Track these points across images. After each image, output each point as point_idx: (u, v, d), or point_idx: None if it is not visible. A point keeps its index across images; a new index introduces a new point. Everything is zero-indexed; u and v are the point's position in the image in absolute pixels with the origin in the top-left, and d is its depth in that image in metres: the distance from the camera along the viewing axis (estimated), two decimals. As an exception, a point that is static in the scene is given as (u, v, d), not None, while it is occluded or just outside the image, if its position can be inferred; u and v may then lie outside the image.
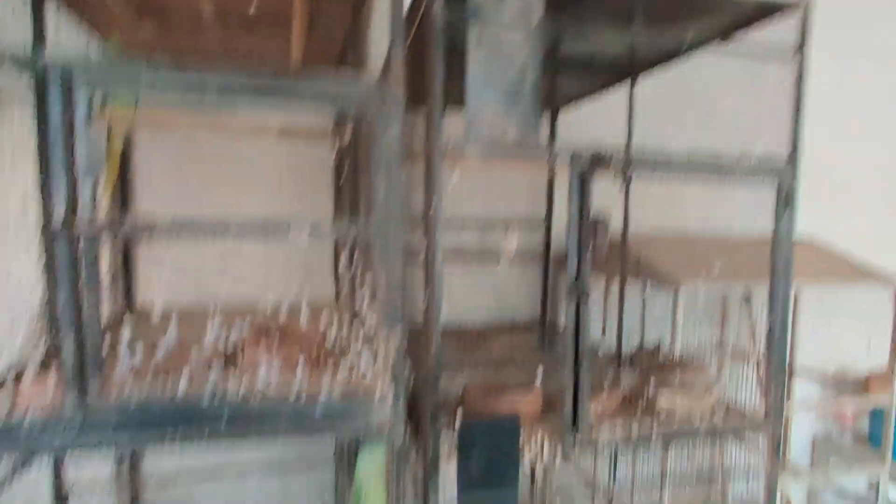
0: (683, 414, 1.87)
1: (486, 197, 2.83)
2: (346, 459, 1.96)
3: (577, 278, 1.60)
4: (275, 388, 1.42)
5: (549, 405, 1.91)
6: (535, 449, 1.68)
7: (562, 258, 2.92)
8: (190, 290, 2.35)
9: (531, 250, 2.95)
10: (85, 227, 1.26)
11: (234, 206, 2.48)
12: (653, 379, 1.93)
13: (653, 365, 1.98)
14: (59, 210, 1.26)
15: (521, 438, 1.58)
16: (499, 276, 2.85)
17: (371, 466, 1.60)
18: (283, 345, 1.57)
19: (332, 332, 1.56)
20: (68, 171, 1.26)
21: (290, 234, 1.43)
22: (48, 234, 1.30)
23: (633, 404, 1.93)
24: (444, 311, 1.61)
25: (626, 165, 1.63)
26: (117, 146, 2.27)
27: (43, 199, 1.47)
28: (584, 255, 1.59)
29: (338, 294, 2.11)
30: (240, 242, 2.46)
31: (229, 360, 1.56)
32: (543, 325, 2.86)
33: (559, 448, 1.71)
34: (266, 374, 1.45)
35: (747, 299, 2.94)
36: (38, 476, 2.07)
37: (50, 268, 1.32)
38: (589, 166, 1.61)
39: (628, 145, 2.46)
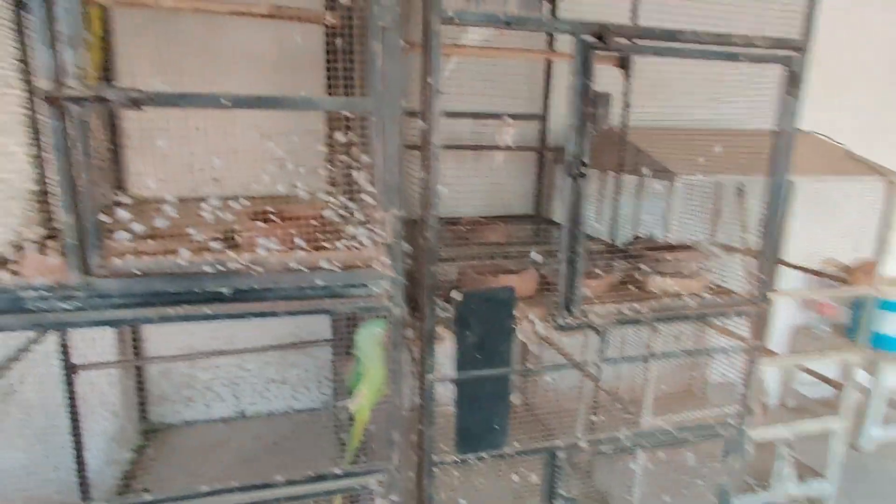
0: (673, 295, 1.93)
1: (483, 94, 2.75)
2: (344, 341, 2.04)
3: (576, 154, 1.59)
4: (274, 264, 1.44)
5: (544, 287, 1.96)
6: (527, 326, 1.74)
7: (558, 151, 2.90)
8: (181, 187, 2.31)
9: (527, 144, 2.91)
10: (72, 95, 1.21)
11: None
12: (645, 264, 1.98)
13: (645, 252, 2.02)
14: (44, 78, 1.21)
15: (514, 309, 1.63)
16: (494, 169, 2.83)
17: (370, 342, 1.65)
18: (280, 226, 1.58)
19: (329, 214, 1.56)
20: (51, 39, 1.21)
21: (282, 105, 1.39)
22: (34, 103, 1.25)
23: (625, 288, 1.98)
24: (441, 199, 1.61)
25: (631, 39, 1.57)
26: (97, 28, 2.16)
27: (26, 67, 1.41)
28: (585, 130, 1.56)
29: (333, 182, 2.09)
30: (231, 135, 2.40)
31: (227, 240, 1.57)
32: (538, 219, 2.89)
33: (551, 326, 1.77)
34: (265, 252, 1.46)
35: (740, 190, 2.95)
36: (47, 355, 2.14)
37: (39, 140, 1.29)
38: (593, 37, 1.54)
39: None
